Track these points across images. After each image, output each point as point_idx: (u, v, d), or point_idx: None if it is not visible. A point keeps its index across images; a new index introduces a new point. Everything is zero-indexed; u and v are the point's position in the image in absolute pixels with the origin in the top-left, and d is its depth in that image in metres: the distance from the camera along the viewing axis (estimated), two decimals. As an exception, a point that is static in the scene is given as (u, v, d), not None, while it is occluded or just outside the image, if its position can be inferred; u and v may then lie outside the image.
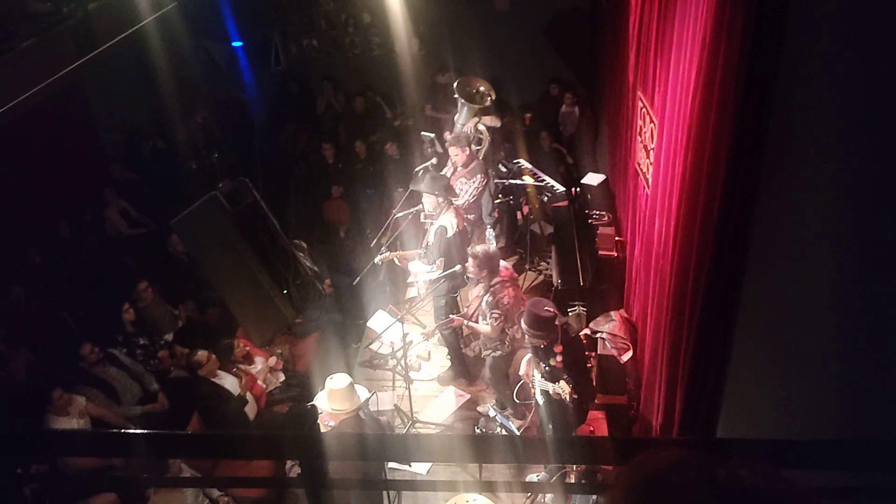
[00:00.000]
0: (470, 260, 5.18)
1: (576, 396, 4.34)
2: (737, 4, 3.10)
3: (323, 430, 2.91)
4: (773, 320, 3.17)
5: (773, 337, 3.18)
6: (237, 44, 10.02)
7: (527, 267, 7.41)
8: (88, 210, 7.86)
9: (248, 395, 5.60)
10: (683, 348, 4.08)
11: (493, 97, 7.20)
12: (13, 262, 6.69)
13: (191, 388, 5.69)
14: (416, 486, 3.69)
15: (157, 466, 4.46)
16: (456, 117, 7.26)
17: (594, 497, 4.48)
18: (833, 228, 2.56)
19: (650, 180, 5.22)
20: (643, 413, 5.30)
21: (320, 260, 7.08)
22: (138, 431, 2.02)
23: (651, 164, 5.20)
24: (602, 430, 5.37)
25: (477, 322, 5.31)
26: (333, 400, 4.16)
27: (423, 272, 5.95)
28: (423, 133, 7.65)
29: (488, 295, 5.13)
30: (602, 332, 5.90)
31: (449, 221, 5.67)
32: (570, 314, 6.25)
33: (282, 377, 6.14)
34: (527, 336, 4.49)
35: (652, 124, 5.20)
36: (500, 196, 7.39)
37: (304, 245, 6.31)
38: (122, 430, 4.11)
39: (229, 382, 5.53)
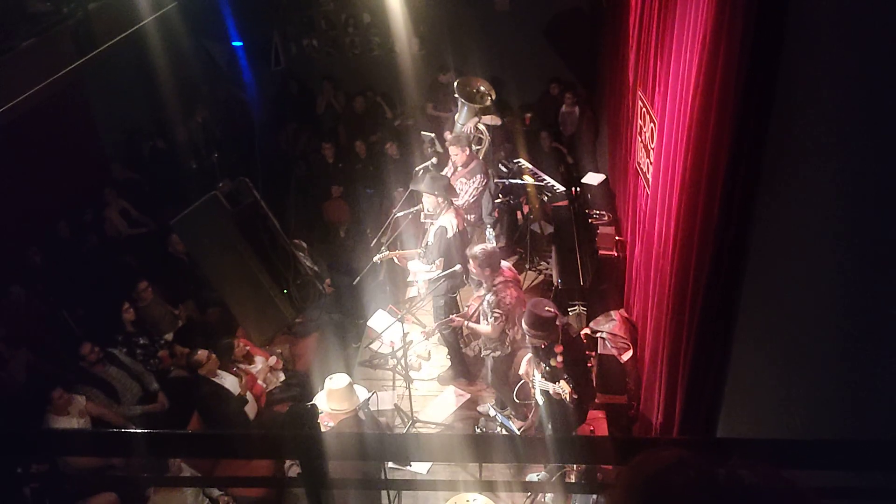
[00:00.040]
0: (471, 262, 5.17)
1: (576, 396, 4.34)
2: (737, 4, 3.10)
3: (322, 430, 2.91)
4: (773, 320, 3.17)
5: (773, 337, 3.18)
6: (237, 44, 10.02)
7: (527, 267, 7.41)
8: (88, 210, 7.86)
9: (248, 395, 5.60)
10: (683, 348, 4.08)
11: (494, 97, 7.20)
12: (13, 262, 6.69)
13: (191, 388, 5.69)
14: (416, 485, 3.69)
15: (157, 466, 4.46)
16: (456, 117, 7.26)
17: (594, 497, 4.49)
18: (833, 228, 2.56)
19: (650, 180, 5.22)
20: (643, 413, 5.30)
21: (320, 260, 7.09)
22: (138, 431, 2.02)
23: (651, 163, 5.19)
24: (602, 429, 5.37)
25: (477, 322, 5.30)
26: (332, 400, 4.17)
27: (422, 272, 5.95)
28: (423, 133, 7.66)
29: (490, 294, 5.12)
30: (602, 331, 5.90)
31: (449, 222, 5.66)
32: (570, 314, 6.24)
33: (282, 377, 6.14)
34: (527, 336, 4.49)
35: (652, 124, 5.20)
36: (500, 196, 7.39)
37: (304, 245, 6.32)
38: (122, 430, 4.12)
39: (229, 382, 5.53)
